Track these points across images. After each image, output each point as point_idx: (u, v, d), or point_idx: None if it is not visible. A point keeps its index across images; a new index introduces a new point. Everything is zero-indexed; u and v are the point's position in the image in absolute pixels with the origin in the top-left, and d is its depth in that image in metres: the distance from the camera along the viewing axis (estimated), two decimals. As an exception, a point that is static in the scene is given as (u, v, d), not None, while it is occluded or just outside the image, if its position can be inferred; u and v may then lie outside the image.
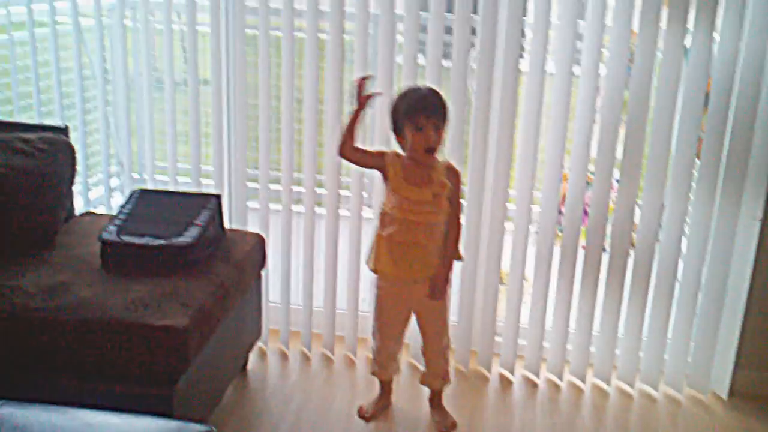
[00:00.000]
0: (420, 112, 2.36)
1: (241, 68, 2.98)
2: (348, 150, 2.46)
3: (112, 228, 2.50)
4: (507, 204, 2.96)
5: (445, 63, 2.86)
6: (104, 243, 2.45)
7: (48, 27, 3.16)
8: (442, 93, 2.46)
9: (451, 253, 2.54)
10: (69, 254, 2.51)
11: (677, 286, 2.96)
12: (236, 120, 3.04)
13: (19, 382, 2.15)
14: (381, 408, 2.78)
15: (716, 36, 2.68)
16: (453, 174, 2.49)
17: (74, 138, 2.92)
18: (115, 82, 3.24)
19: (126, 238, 2.45)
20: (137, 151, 3.49)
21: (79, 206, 3.13)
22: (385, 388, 2.80)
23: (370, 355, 2.77)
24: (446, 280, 2.55)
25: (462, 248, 2.62)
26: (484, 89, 2.83)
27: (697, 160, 2.86)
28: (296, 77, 2.96)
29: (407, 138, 2.40)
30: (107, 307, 2.19)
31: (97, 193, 3.63)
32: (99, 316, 2.16)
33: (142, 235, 2.47)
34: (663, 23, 2.71)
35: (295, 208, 3.11)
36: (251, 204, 3.17)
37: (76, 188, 2.93)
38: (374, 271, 2.56)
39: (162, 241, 2.45)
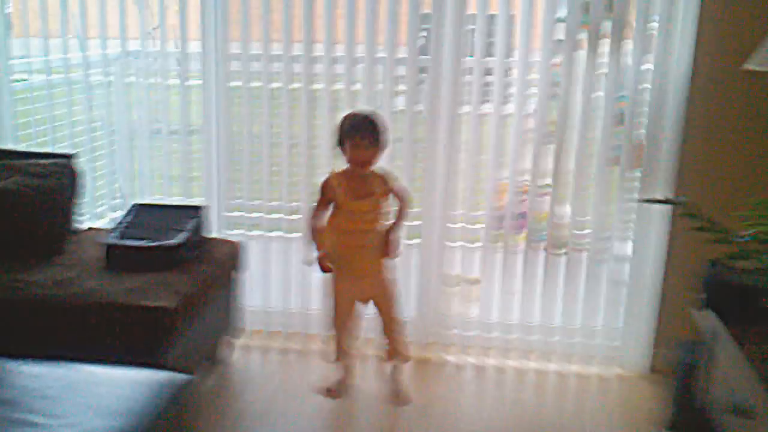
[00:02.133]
0: (357, 132, 2.88)
1: (226, 117, 3.50)
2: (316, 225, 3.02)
3: (115, 234, 2.98)
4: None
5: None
6: (109, 246, 2.92)
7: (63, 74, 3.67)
8: (379, 119, 2.96)
9: (399, 222, 3.04)
10: (76, 257, 2.98)
11: (604, 278, 3.41)
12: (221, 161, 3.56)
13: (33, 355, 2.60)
14: (344, 387, 3.21)
15: (627, 60, 3.18)
16: (388, 179, 2.99)
17: (83, 166, 3.42)
18: (120, 131, 3.74)
19: (127, 242, 2.92)
20: (138, 188, 3.95)
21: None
22: (347, 371, 3.24)
23: (330, 347, 3.21)
24: (397, 240, 3.05)
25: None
26: (431, 130, 3.34)
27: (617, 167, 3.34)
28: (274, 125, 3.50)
29: (347, 152, 2.91)
30: (109, 293, 2.65)
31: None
32: (103, 300, 2.62)
33: (140, 239, 2.94)
34: (582, 53, 3.21)
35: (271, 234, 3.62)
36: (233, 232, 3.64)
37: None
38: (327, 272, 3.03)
39: (155, 243, 2.92)
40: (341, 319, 3.11)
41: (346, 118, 2.97)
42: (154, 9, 3.54)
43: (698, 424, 2.14)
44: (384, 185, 2.98)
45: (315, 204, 3.01)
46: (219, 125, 3.50)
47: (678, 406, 2.72)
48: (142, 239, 2.95)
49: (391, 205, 3.03)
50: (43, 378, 2.13)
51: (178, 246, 2.93)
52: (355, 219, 2.96)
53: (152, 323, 2.58)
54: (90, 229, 3.42)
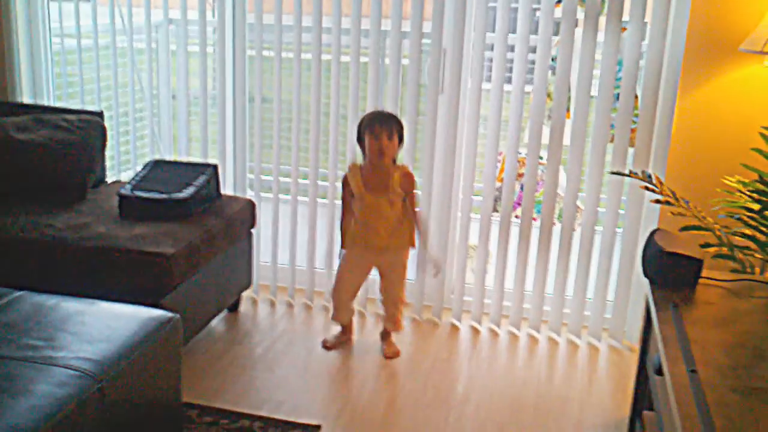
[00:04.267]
0: (375, 123, 3.09)
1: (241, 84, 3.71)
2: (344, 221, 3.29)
3: (128, 186, 3.23)
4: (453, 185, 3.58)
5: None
6: (121, 197, 3.17)
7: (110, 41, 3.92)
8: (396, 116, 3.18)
9: (410, 235, 3.24)
10: (95, 206, 3.24)
11: (596, 251, 3.52)
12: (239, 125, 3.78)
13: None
14: (341, 342, 3.43)
15: (623, 42, 3.26)
16: (407, 178, 3.16)
17: (110, 123, 3.68)
18: (162, 95, 3.99)
19: (138, 193, 3.17)
20: (175, 148, 4.20)
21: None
22: (346, 327, 3.44)
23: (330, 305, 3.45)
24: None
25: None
26: (432, 104, 3.48)
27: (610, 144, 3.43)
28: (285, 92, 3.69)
29: (366, 144, 3.11)
30: (117, 238, 2.90)
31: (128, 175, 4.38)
32: (110, 244, 2.87)
33: (151, 191, 3.18)
34: (579, 33, 3.31)
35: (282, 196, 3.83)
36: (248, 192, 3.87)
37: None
38: (346, 248, 3.29)
39: (165, 196, 3.16)
40: (345, 286, 3.32)
41: (366, 115, 3.19)
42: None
43: (643, 387, 2.26)
44: (404, 182, 3.13)
45: (341, 200, 3.27)
46: (247, 92, 3.71)
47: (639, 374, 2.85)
48: (154, 192, 3.19)
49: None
50: (43, 307, 2.38)
51: (186, 199, 3.16)
52: (367, 211, 3.15)
53: (152, 268, 2.82)
54: (117, 182, 3.69)
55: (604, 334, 3.58)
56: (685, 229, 2.44)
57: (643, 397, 2.24)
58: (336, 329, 3.49)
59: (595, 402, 3.07)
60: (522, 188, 3.61)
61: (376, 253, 3.23)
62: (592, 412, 2.99)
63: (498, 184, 3.61)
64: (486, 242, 3.62)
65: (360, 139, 3.16)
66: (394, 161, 3.16)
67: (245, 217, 3.49)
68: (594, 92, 3.37)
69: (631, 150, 3.38)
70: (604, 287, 3.54)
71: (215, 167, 3.41)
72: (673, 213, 2.46)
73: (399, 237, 3.21)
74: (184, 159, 3.83)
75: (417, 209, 3.24)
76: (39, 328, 2.25)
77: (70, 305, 2.41)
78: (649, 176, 2.60)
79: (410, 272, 3.42)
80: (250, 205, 3.54)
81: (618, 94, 3.36)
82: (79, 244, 2.88)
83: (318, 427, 2.78)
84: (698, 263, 2.01)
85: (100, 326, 2.29)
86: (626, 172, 2.79)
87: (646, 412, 2.22)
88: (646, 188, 2.54)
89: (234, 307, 3.64)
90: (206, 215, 3.24)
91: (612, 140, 3.41)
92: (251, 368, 3.18)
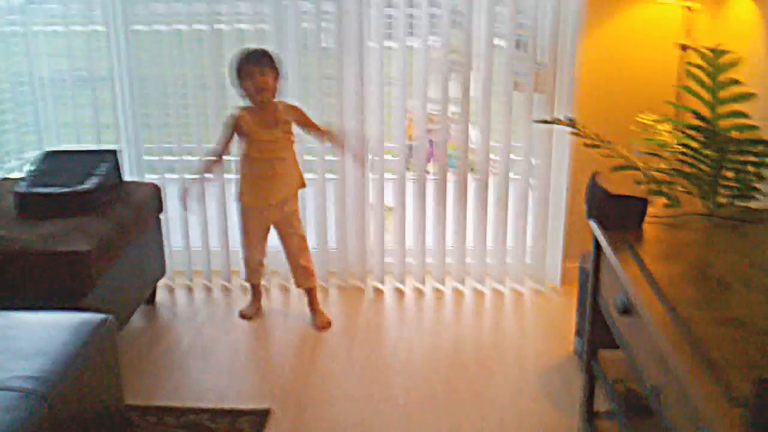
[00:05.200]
0: (248, 63, 3.01)
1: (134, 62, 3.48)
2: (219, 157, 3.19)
3: (23, 183, 2.98)
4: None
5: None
6: (18, 195, 2.92)
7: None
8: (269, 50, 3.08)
9: (325, 135, 3.21)
10: (-12, 208, 2.97)
11: (511, 199, 3.56)
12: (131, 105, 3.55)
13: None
14: (257, 309, 3.40)
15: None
16: (292, 109, 3.12)
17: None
18: (24, 81, 3.67)
19: (37, 189, 2.93)
20: (47, 139, 3.88)
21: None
22: (256, 291, 3.41)
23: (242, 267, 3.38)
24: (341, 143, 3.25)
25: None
26: (339, 64, 3.40)
27: (516, 92, 3.46)
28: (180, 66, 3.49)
29: (245, 84, 3.02)
30: (23, 240, 2.67)
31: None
32: (17, 247, 2.64)
33: (50, 186, 2.95)
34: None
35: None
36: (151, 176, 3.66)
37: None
38: (242, 202, 3.18)
39: (67, 189, 2.94)
40: (250, 242, 3.26)
41: (236, 56, 3.06)
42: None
43: (596, 327, 2.31)
44: (290, 112, 3.10)
45: (219, 138, 3.15)
46: (128, 70, 3.49)
47: (581, 314, 2.92)
48: (54, 186, 2.96)
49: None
50: (-41, 326, 2.17)
51: (92, 190, 2.95)
52: (264, 148, 3.07)
53: (68, 268, 2.63)
54: (5, 179, 3.41)
55: (526, 278, 3.65)
56: (617, 169, 2.49)
57: (597, 338, 2.29)
58: (247, 299, 3.45)
59: (534, 344, 3.13)
60: (432, 144, 3.60)
61: (275, 209, 3.17)
62: (533, 355, 3.05)
63: (408, 142, 3.58)
64: (403, 201, 3.59)
65: (238, 80, 3.05)
66: (273, 96, 3.08)
67: (152, 202, 3.31)
68: (497, 41, 3.37)
69: (536, 97, 3.42)
70: (523, 234, 3.60)
71: (114, 153, 3.20)
72: (602, 155, 2.50)
73: (293, 182, 3.17)
74: (76, 147, 3.56)
75: (315, 123, 3.19)
76: (-38, 350, 2.04)
77: (-8, 319, 2.21)
78: (572, 120, 2.63)
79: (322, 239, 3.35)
80: (156, 190, 3.35)
81: (517, 41, 3.39)
82: (-20, 252, 2.64)
83: (268, 410, 2.69)
84: (643, 202, 2.05)
85: (30, 339, 2.11)
86: (547, 119, 2.81)
87: (604, 351, 2.27)
88: (575, 134, 2.57)
89: (151, 299, 3.46)
90: (113, 205, 3.04)
91: (515, 87, 3.44)
92: (183, 360, 3.04)
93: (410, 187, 3.58)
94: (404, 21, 3.36)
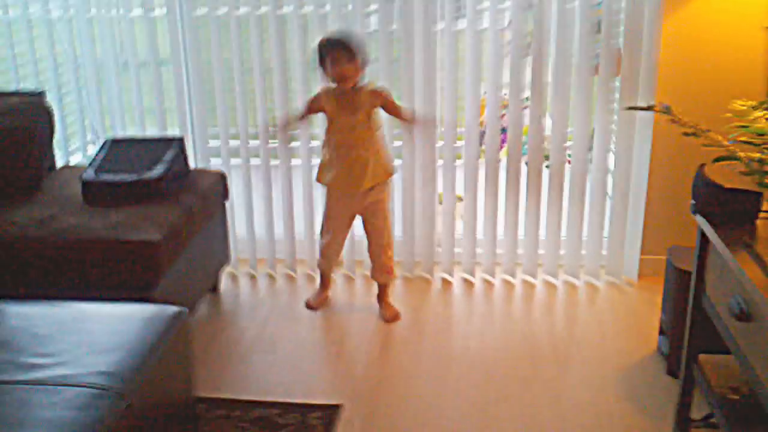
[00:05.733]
0: (334, 47, 2.90)
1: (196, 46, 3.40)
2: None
3: (90, 170, 2.92)
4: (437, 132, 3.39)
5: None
6: (85, 182, 2.86)
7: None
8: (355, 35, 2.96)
9: (409, 121, 3.11)
10: (54, 195, 2.92)
11: (588, 189, 3.41)
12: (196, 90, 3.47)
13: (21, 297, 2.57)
14: (323, 299, 3.29)
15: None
16: (376, 95, 2.98)
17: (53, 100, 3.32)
18: (85, 66, 3.60)
19: (104, 177, 2.87)
20: (110, 124, 3.81)
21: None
22: (325, 281, 3.30)
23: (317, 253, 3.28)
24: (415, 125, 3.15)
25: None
26: (408, 46, 3.26)
27: (596, 77, 3.29)
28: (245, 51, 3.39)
29: (328, 69, 2.91)
30: (92, 229, 2.61)
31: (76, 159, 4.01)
32: (85, 236, 2.58)
33: (117, 173, 2.89)
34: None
35: (253, 162, 3.55)
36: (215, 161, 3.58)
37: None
38: (321, 182, 3.08)
39: (135, 176, 2.87)
40: (330, 227, 3.16)
41: (323, 38, 2.97)
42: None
43: (697, 330, 2.16)
44: (374, 99, 2.97)
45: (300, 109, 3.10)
46: (188, 55, 3.41)
47: (667, 312, 2.76)
48: (121, 173, 2.89)
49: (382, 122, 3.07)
50: (32, 317, 2.11)
51: (158, 179, 2.88)
52: (345, 132, 2.97)
53: (139, 258, 2.56)
54: (66, 167, 3.36)
55: (601, 271, 3.50)
56: (718, 160, 2.32)
57: (698, 342, 2.14)
58: (315, 286, 3.36)
59: (613, 341, 2.98)
60: (504, 131, 3.45)
61: (360, 198, 3.05)
62: (613, 352, 2.91)
63: (481, 129, 3.43)
64: (474, 189, 3.46)
65: (321, 64, 2.96)
66: (356, 82, 2.96)
67: (218, 190, 3.23)
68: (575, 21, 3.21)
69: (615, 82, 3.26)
70: (599, 226, 3.44)
71: (181, 140, 3.12)
72: (704, 145, 2.34)
73: (379, 170, 3.03)
74: (140, 135, 3.50)
75: (400, 108, 3.08)
76: (36, 342, 1.98)
77: (62, 311, 2.15)
78: (667, 108, 2.47)
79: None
80: (222, 178, 3.27)
81: (599, 22, 3.22)
82: (50, 239, 2.58)
83: (338, 406, 2.60)
84: (758, 197, 1.90)
85: (104, 332, 2.04)
86: (639, 106, 2.65)
87: (705, 356, 2.13)
88: (673, 122, 2.41)
89: (215, 287, 3.39)
90: (180, 193, 2.97)
91: (597, 72, 3.28)
92: (249, 352, 2.96)
93: (481, 175, 3.44)
94: (474, 3, 3.21)
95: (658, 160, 3.25)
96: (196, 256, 2.98)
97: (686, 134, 2.44)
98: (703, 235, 2.05)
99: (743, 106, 2.58)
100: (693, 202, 2.07)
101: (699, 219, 1.99)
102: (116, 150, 3.09)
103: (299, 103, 3.26)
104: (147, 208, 2.77)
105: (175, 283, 2.75)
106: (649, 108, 2.56)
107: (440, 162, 3.44)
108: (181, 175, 3.06)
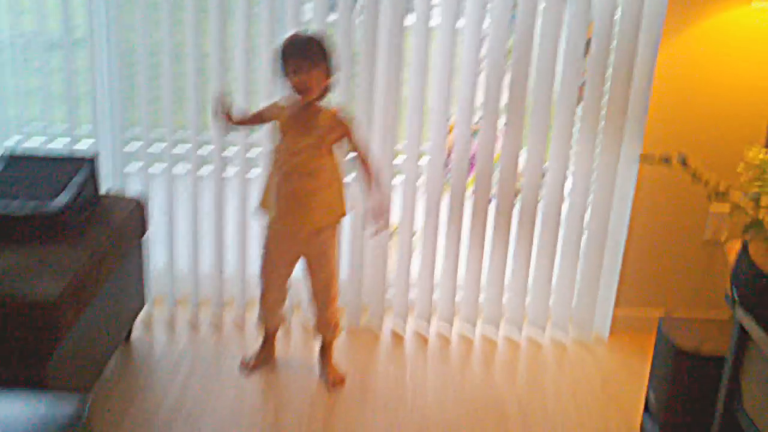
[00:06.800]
0: (294, 53, 2.40)
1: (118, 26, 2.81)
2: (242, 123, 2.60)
3: (-27, 196, 2.34)
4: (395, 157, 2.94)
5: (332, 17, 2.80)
6: (-35, 214, 2.29)
7: None
8: (323, 39, 2.45)
9: (368, 187, 2.57)
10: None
11: (561, 232, 3.02)
12: (113, 79, 2.87)
13: None
14: (262, 360, 2.79)
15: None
16: (338, 123, 2.49)
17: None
18: None
19: (-8, 207, 2.30)
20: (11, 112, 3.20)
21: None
22: (268, 340, 2.81)
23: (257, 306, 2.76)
24: (380, 210, 2.59)
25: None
26: (369, 44, 2.78)
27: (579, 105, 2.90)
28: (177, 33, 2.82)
29: (289, 77, 2.42)
30: (-31, 281, 2.05)
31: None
32: (-40, 291, 2.02)
33: (9, 203, 2.32)
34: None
35: (177, 169, 2.98)
36: (130, 168, 3.01)
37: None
38: (264, 209, 2.58)
39: (30, 210, 2.31)
40: (269, 274, 2.67)
41: (284, 40, 2.46)
42: None
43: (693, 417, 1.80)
44: (334, 126, 2.48)
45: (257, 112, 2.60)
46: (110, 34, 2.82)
47: (657, 390, 2.40)
48: (13, 201, 2.33)
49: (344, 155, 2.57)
50: None
51: (61, 212, 2.33)
52: (288, 156, 2.47)
53: (27, 322, 2.00)
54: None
55: (570, 326, 3.12)
56: (748, 229, 1.95)
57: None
58: (244, 335, 2.90)
59: (591, 416, 2.60)
60: (473, 160, 3.03)
61: (302, 239, 2.58)
62: (591, 428, 2.53)
63: (446, 157, 2.99)
64: (435, 226, 3.02)
65: (282, 71, 2.44)
66: (322, 97, 2.47)
67: (135, 222, 2.69)
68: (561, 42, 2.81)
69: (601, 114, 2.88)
70: (572, 273, 3.06)
71: (92, 161, 2.57)
72: (731, 214, 1.96)
73: (328, 208, 2.55)
74: (45, 151, 2.89)
75: (362, 151, 2.56)
76: None
77: None
78: (684, 159, 2.09)
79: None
80: (139, 206, 2.73)
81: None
82: None
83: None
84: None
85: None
86: (652, 156, 2.28)
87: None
88: (692, 178, 2.02)
89: (126, 337, 2.85)
90: (88, 227, 2.42)
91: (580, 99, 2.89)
92: (167, 428, 2.44)
93: (444, 210, 3.01)
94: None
95: (640, 208, 2.91)
96: (106, 307, 2.45)
97: (708, 197, 2.07)
98: (741, 332, 1.68)
99: (758, 157, 2.22)
100: (732, 289, 1.69)
101: (741, 314, 1.61)
102: (13, 169, 2.52)
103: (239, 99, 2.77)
104: (45, 248, 2.23)
105: (77, 349, 2.21)
106: (662, 159, 2.17)
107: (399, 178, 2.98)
108: (90, 203, 2.51)
